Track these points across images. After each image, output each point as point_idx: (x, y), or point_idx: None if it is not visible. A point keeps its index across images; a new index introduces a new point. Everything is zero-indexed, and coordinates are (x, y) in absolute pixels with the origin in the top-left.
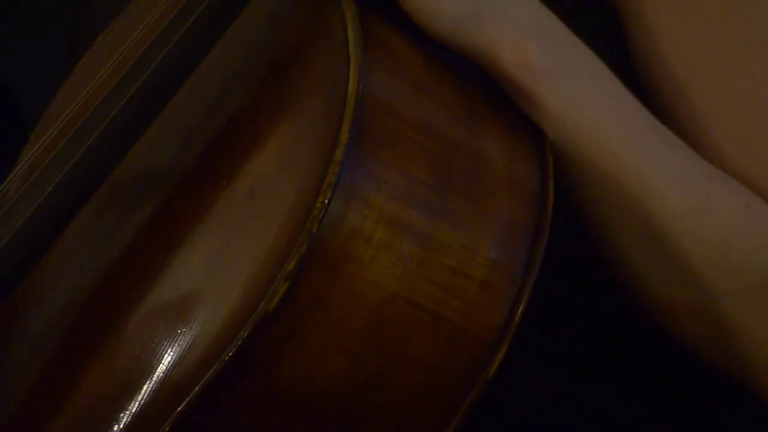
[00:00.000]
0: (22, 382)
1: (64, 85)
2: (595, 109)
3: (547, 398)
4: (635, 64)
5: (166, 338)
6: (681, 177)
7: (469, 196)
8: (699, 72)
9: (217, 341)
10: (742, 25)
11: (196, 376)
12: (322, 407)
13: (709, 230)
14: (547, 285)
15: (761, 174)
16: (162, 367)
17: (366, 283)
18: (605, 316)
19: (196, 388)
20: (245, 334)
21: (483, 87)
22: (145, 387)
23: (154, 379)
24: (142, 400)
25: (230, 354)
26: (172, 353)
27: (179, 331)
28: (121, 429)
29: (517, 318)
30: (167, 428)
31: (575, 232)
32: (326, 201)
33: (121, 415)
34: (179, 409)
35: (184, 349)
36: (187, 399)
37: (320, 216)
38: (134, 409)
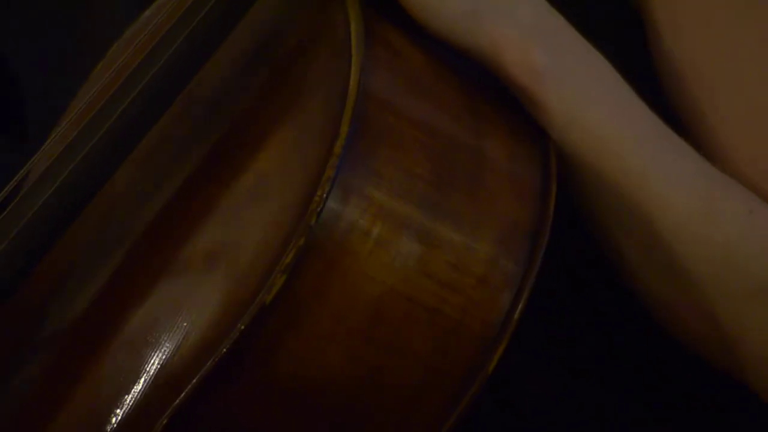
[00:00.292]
0: (28, 379)
1: (88, 80)
2: (599, 110)
3: (546, 398)
4: (658, 65)
5: (165, 332)
6: (685, 180)
7: (470, 194)
8: (722, 72)
9: (214, 333)
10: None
11: (193, 368)
12: (321, 401)
13: (712, 234)
14: (547, 284)
15: None
16: (160, 360)
17: (364, 278)
18: (605, 315)
19: (194, 380)
20: (242, 327)
21: (486, 86)
22: (143, 379)
23: (152, 371)
24: (140, 392)
25: (227, 346)
26: (170, 346)
27: (178, 325)
28: (119, 421)
29: (516, 315)
30: (165, 421)
31: (577, 232)
32: (324, 194)
33: (119, 406)
34: (176, 401)
35: (182, 341)
36: (185, 391)
37: (318, 209)
38: (132, 402)
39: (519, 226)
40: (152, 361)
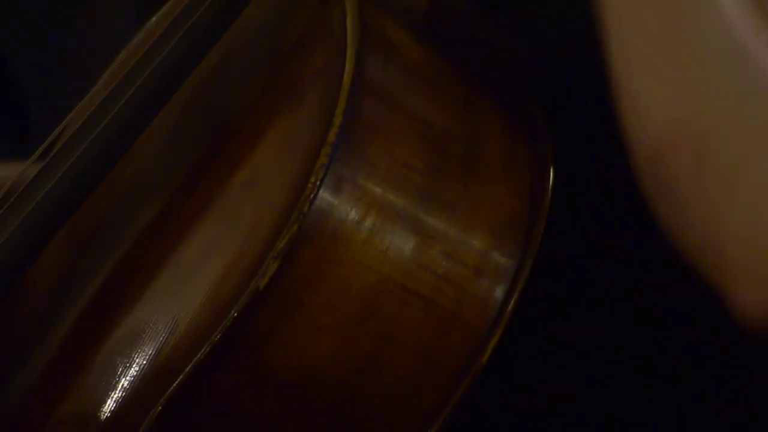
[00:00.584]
0: (30, 371)
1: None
2: None
3: (546, 397)
4: None
5: (160, 321)
6: None
7: (464, 185)
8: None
9: (208, 321)
10: None
11: (187, 356)
12: (314, 391)
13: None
14: (544, 279)
15: None
16: (154, 349)
17: (358, 266)
18: (605, 314)
19: (188, 368)
20: (235, 314)
21: (484, 82)
22: (136, 368)
23: (146, 360)
24: (134, 381)
25: (221, 333)
26: (164, 334)
27: (172, 314)
28: (114, 409)
29: (511, 307)
30: (159, 408)
31: (575, 227)
32: (318, 182)
33: (113, 395)
34: (170, 389)
35: (176, 329)
36: (179, 380)
37: (311, 196)
38: (126, 390)
39: (514, 218)
40: (146, 350)
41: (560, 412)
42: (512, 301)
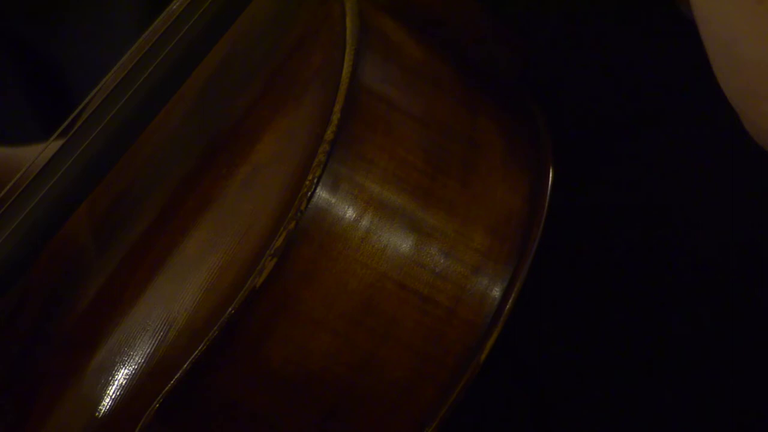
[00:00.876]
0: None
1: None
2: None
3: (545, 396)
4: None
5: (159, 318)
6: None
7: (463, 184)
8: None
9: (205, 318)
10: None
11: (185, 352)
12: (312, 388)
13: None
14: (544, 277)
15: None
16: (152, 346)
17: (355, 264)
18: (605, 313)
19: (185, 365)
20: (233, 311)
21: (485, 82)
22: (135, 365)
23: (144, 357)
24: (132, 377)
25: (218, 330)
26: (162, 331)
27: (169, 311)
28: (112, 405)
29: (508, 305)
30: (156, 405)
31: (575, 226)
32: (315, 179)
33: (112, 391)
34: (168, 386)
35: (174, 326)
36: (176, 376)
37: (309, 194)
38: (124, 387)
39: (513, 217)
40: (144, 347)
41: (560, 412)
42: (510, 300)
